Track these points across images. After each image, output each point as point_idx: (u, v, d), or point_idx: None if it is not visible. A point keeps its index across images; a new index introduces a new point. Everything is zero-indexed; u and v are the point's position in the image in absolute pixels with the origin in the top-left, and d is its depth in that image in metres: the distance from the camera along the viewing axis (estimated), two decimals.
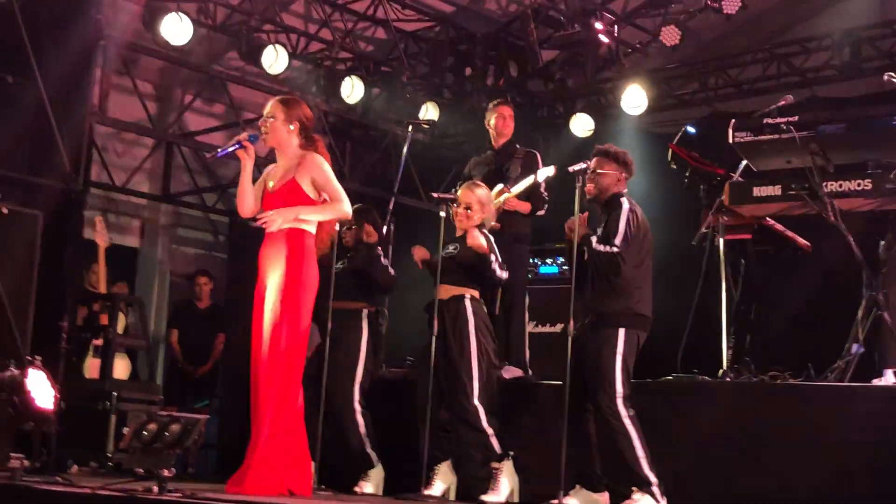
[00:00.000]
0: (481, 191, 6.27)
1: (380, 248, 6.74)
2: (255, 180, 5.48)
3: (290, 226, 5.27)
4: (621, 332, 5.50)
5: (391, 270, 6.69)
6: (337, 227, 5.89)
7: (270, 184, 5.40)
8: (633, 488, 5.37)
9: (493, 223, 6.36)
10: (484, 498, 5.77)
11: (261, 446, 5.04)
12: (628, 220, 5.53)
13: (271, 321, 5.17)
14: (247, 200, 5.43)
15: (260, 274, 5.36)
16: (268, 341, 5.16)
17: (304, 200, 5.29)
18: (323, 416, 6.15)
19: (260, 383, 5.13)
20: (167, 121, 10.39)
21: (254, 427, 5.11)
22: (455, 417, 5.93)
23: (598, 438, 5.56)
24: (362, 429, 6.42)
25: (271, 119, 5.36)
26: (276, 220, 5.21)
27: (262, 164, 5.70)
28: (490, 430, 5.90)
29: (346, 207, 5.36)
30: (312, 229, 5.35)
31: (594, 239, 5.53)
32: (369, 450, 6.40)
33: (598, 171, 5.69)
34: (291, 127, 5.34)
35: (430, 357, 5.91)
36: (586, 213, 5.72)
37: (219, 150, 5.53)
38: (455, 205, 6.17)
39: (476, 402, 5.90)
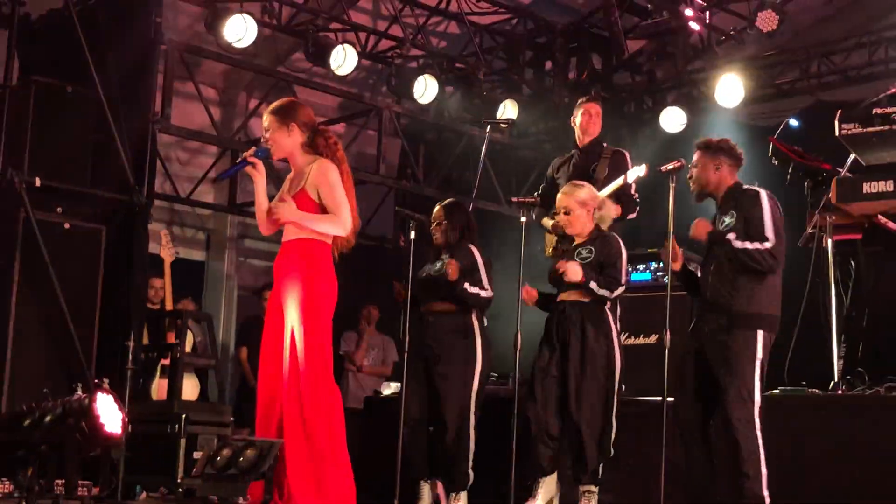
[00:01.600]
0: (581, 191, 6.26)
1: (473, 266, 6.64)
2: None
3: (304, 236, 5.31)
4: (760, 334, 5.40)
5: (482, 293, 6.50)
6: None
7: (286, 191, 5.46)
8: None
9: (613, 215, 6.33)
10: None
11: (304, 468, 5.06)
12: (772, 211, 5.45)
13: (293, 338, 5.20)
14: (264, 218, 5.46)
15: (274, 285, 5.41)
16: (290, 358, 5.18)
17: (314, 211, 5.32)
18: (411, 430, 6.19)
19: (290, 402, 5.15)
20: (232, 127, 10.53)
21: (289, 446, 5.10)
22: (586, 428, 5.91)
23: (711, 456, 5.50)
24: (472, 444, 6.38)
25: (268, 131, 5.41)
26: (283, 213, 5.26)
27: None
28: (612, 452, 5.95)
29: (342, 225, 5.32)
30: (327, 238, 5.37)
31: (732, 236, 5.42)
32: (470, 469, 6.38)
33: (698, 165, 5.65)
34: (289, 132, 5.39)
35: (552, 369, 5.97)
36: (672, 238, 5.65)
37: (225, 170, 5.57)
38: (559, 216, 6.22)
39: (614, 420, 5.95)
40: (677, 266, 5.59)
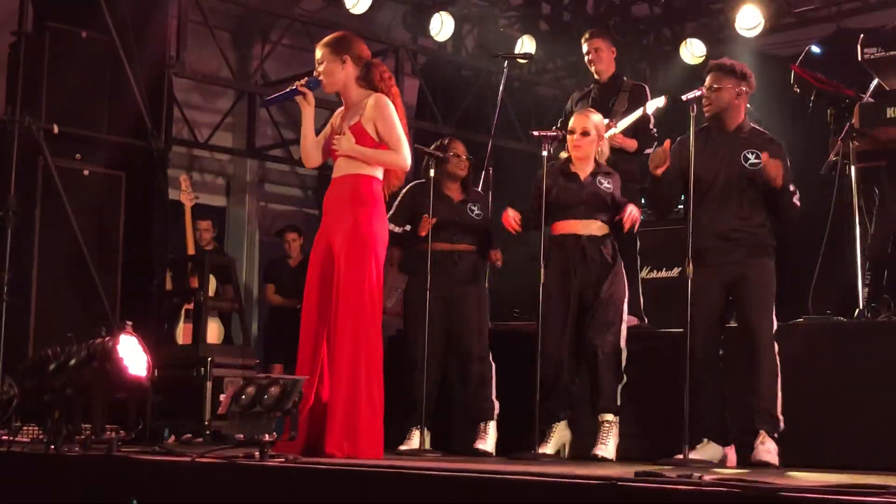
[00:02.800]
0: (595, 116, 6.23)
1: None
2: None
3: (357, 171, 5.29)
4: (772, 264, 5.53)
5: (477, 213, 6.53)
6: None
7: (337, 126, 5.43)
8: (761, 431, 5.32)
9: (606, 152, 6.32)
10: (597, 452, 5.77)
11: (340, 408, 5.11)
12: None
13: (344, 274, 5.19)
14: (310, 151, 5.46)
15: (324, 220, 5.39)
16: (340, 295, 5.19)
17: (370, 143, 5.30)
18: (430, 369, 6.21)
19: (336, 341, 5.16)
20: (248, 71, 10.49)
21: (330, 385, 5.16)
22: (597, 357, 5.90)
23: (728, 387, 5.51)
24: (493, 373, 6.42)
25: (322, 64, 5.37)
26: (342, 145, 5.25)
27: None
28: (625, 378, 5.94)
29: (404, 160, 5.32)
30: (379, 174, 5.35)
31: (792, 188, 5.46)
32: (495, 399, 6.40)
33: (715, 86, 5.58)
34: (343, 64, 5.34)
35: (567, 301, 5.93)
36: (668, 142, 5.61)
37: (273, 96, 5.57)
38: (570, 135, 6.11)
39: (624, 344, 5.94)
40: (660, 172, 5.55)
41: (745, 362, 5.45)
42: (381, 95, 5.34)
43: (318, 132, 5.53)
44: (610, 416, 5.86)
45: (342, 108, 5.50)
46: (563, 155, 6.28)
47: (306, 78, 5.42)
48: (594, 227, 6.00)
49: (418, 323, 6.31)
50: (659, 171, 5.57)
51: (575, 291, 5.95)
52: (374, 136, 5.30)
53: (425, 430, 6.31)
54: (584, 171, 6.09)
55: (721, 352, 5.56)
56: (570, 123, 6.19)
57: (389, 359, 6.90)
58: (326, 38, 5.48)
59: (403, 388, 6.30)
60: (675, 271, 7.58)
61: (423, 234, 6.30)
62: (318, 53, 5.42)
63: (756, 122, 5.76)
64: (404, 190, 6.42)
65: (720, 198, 5.52)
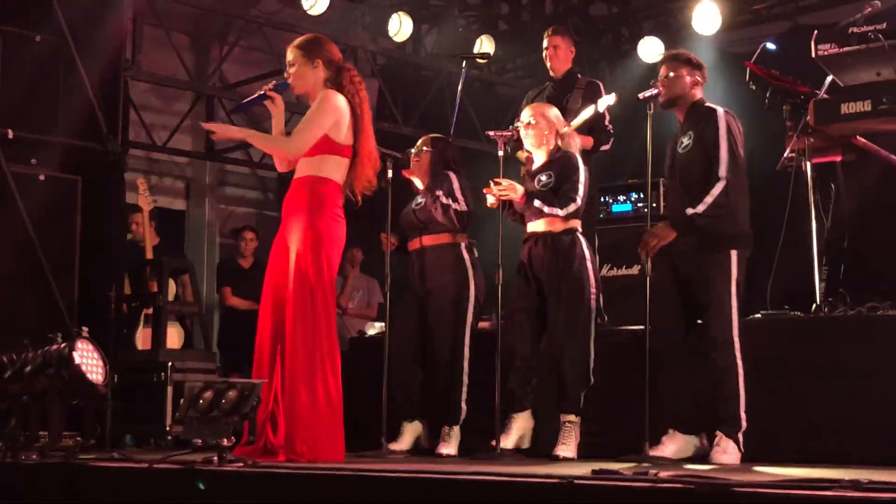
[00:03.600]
0: (550, 109, 6.24)
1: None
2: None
3: (312, 173, 5.28)
4: (733, 255, 5.46)
5: (455, 206, 6.41)
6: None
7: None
8: (719, 432, 5.35)
9: (577, 148, 6.29)
10: (558, 452, 5.78)
11: (298, 410, 5.10)
12: (728, 137, 5.47)
13: (297, 276, 5.19)
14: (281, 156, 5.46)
15: (283, 222, 5.39)
16: (293, 297, 5.19)
17: (329, 145, 5.29)
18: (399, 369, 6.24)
19: (290, 344, 5.15)
20: (205, 73, 10.44)
21: (285, 388, 5.14)
22: (564, 357, 5.89)
23: (694, 378, 5.53)
24: (465, 377, 6.36)
25: (293, 67, 5.36)
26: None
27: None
28: (592, 380, 5.92)
29: (296, 146, 5.28)
30: (339, 177, 5.34)
31: (690, 211, 5.39)
32: (464, 403, 6.35)
33: (671, 74, 5.63)
34: (314, 68, 5.33)
35: (528, 300, 5.95)
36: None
37: (243, 102, 5.57)
38: (522, 124, 6.10)
39: (592, 345, 5.92)
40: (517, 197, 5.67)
41: (704, 359, 5.47)
42: (330, 91, 5.31)
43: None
44: (572, 417, 5.87)
45: (275, 115, 5.49)
46: (522, 155, 6.29)
47: (274, 81, 5.41)
48: (545, 225, 5.97)
49: (394, 321, 6.43)
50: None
51: (534, 287, 5.95)
52: (330, 134, 5.29)
53: (416, 423, 6.38)
54: (535, 166, 6.11)
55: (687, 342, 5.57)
56: (521, 115, 6.20)
57: (356, 358, 6.96)
58: (299, 41, 5.47)
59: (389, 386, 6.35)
60: (636, 269, 7.60)
61: (385, 250, 6.45)
62: (290, 55, 5.40)
63: None
64: None
65: (671, 188, 5.54)
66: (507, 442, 5.88)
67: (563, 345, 5.88)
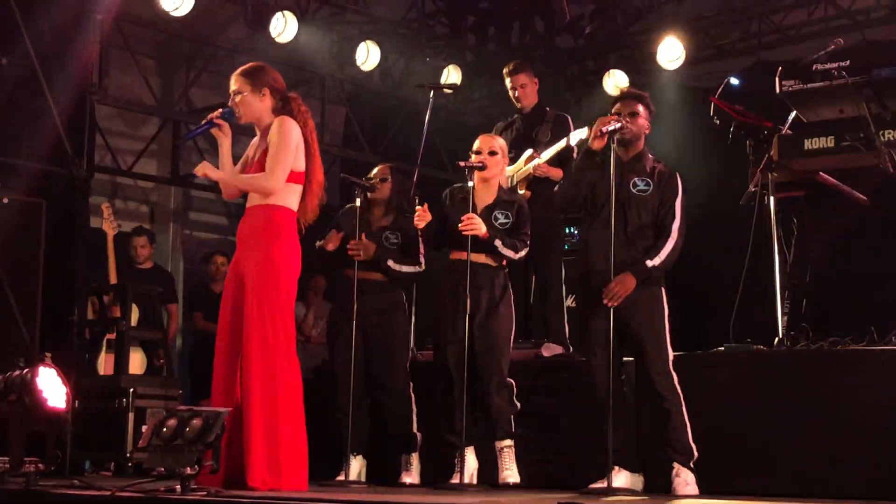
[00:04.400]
0: (500, 140, 6.29)
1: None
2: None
3: (268, 202, 5.26)
4: (662, 291, 5.55)
5: (413, 270, 6.51)
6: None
7: (251, 156, 5.42)
8: (675, 462, 5.37)
9: (521, 191, 6.35)
10: (508, 480, 5.84)
11: (258, 439, 5.06)
12: (682, 202, 5.54)
13: (255, 305, 5.16)
14: (228, 182, 5.42)
15: (237, 250, 5.36)
16: (251, 327, 5.15)
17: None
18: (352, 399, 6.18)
19: (248, 372, 5.11)
20: (172, 98, 10.40)
21: (245, 418, 5.09)
22: (492, 392, 5.92)
23: (636, 411, 5.55)
24: (413, 405, 6.45)
25: (239, 95, 5.34)
26: (199, 170, 5.31)
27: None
28: (518, 406, 5.98)
29: (271, 182, 5.24)
30: (291, 204, 5.32)
31: (649, 263, 5.44)
32: (416, 430, 6.42)
33: (635, 113, 5.64)
34: (262, 95, 5.33)
35: (457, 334, 5.93)
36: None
37: (190, 129, 5.54)
38: (476, 154, 6.11)
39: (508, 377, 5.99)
40: (598, 145, 5.52)
41: (646, 394, 5.49)
42: (285, 118, 5.30)
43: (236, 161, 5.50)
44: (508, 441, 5.93)
45: (257, 137, 5.46)
46: (470, 184, 6.26)
47: (220, 109, 5.39)
48: (484, 258, 6.00)
49: (338, 350, 6.39)
50: (598, 145, 5.51)
51: (462, 318, 5.93)
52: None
53: (361, 459, 6.36)
54: (484, 200, 6.11)
55: (623, 377, 5.58)
56: (476, 144, 6.19)
57: (316, 387, 6.93)
58: (243, 69, 5.44)
59: (335, 415, 6.32)
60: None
61: (329, 248, 6.40)
62: (235, 83, 5.37)
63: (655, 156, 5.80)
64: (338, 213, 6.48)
65: (604, 222, 5.51)
66: (465, 476, 5.86)
67: (492, 377, 5.93)
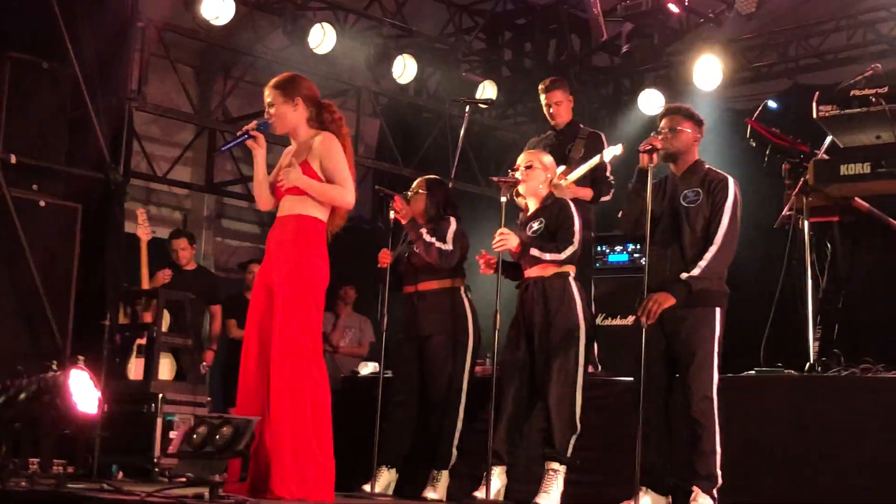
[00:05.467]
0: (546, 156, 6.25)
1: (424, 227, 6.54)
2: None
3: (301, 212, 5.27)
4: (718, 312, 5.42)
5: (439, 245, 6.36)
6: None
7: (284, 166, 5.40)
8: (695, 486, 5.31)
9: (568, 196, 6.29)
10: (538, 500, 5.74)
11: (286, 449, 5.05)
12: (734, 207, 5.43)
13: (285, 315, 5.16)
14: (263, 192, 5.43)
15: (266, 259, 5.35)
16: (281, 336, 5.15)
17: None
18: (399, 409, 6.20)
19: (276, 382, 5.11)
20: (209, 106, 10.47)
21: (273, 427, 5.08)
22: (551, 403, 5.85)
23: (672, 433, 5.52)
24: (460, 423, 6.35)
25: (273, 107, 5.35)
26: (290, 177, 5.21)
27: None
28: (579, 428, 5.86)
29: (350, 196, 5.29)
30: (323, 216, 5.32)
31: (695, 273, 5.38)
32: (455, 449, 6.35)
33: (677, 128, 5.56)
34: (295, 105, 5.35)
35: (519, 350, 5.91)
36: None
37: (227, 140, 5.55)
38: (520, 169, 6.08)
39: (579, 393, 5.86)
40: (644, 163, 5.45)
41: (683, 416, 5.45)
42: (329, 133, 5.31)
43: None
44: (556, 465, 5.84)
45: (291, 147, 5.47)
46: (520, 201, 6.28)
47: (255, 121, 5.40)
48: (538, 271, 5.96)
49: (392, 363, 6.44)
50: (643, 163, 5.46)
51: (524, 335, 5.93)
52: (320, 174, 5.28)
53: (393, 471, 6.33)
54: (527, 211, 6.13)
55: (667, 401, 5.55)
56: (517, 161, 6.20)
57: (344, 398, 6.93)
58: (276, 80, 5.44)
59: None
60: (631, 319, 7.60)
61: (381, 265, 6.34)
62: (269, 96, 5.37)
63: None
64: None
65: (662, 240, 5.49)
66: (490, 493, 5.84)
67: (551, 390, 5.85)
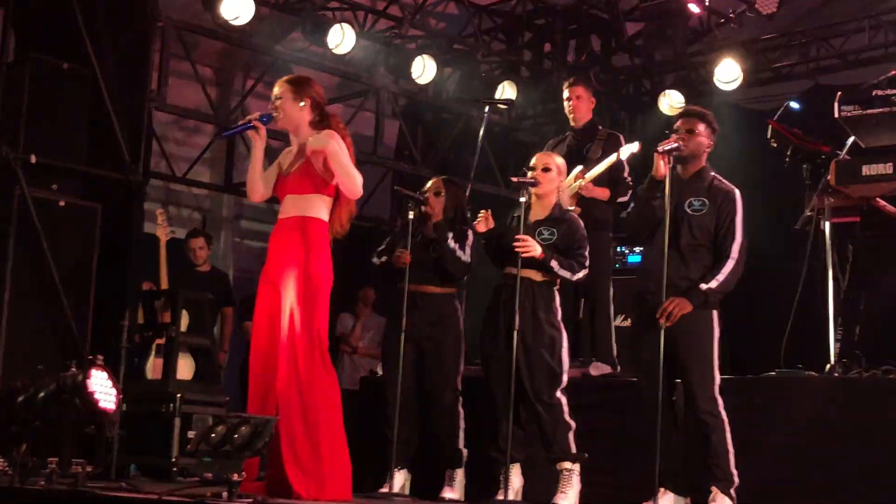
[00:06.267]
0: (558, 157, 6.23)
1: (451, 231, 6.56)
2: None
3: (305, 214, 5.28)
4: (715, 314, 5.45)
5: (462, 255, 6.42)
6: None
7: (285, 166, 5.42)
8: (713, 487, 5.30)
9: (570, 206, 6.30)
10: (556, 501, 5.76)
11: (302, 449, 5.07)
12: (744, 224, 5.45)
13: (294, 318, 5.17)
14: (256, 184, 5.42)
15: (269, 261, 5.36)
16: (293, 338, 5.16)
17: (318, 184, 5.29)
18: (401, 412, 6.17)
19: (286, 383, 5.12)
20: (228, 107, 10.49)
21: (286, 427, 5.08)
22: (539, 409, 5.88)
23: (681, 434, 5.51)
24: (461, 421, 6.39)
25: (280, 100, 5.37)
26: (319, 143, 5.20)
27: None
28: (573, 424, 5.87)
29: (360, 186, 5.30)
30: (324, 216, 5.32)
31: (704, 286, 5.39)
32: (462, 447, 6.38)
33: (693, 130, 5.55)
34: (301, 105, 5.35)
35: (501, 351, 5.90)
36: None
37: (229, 127, 5.54)
38: (531, 171, 6.07)
39: (559, 393, 5.89)
40: (662, 174, 5.45)
41: (691, 417, 5.44)
42: (332, 132, 5.30)
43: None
44: (567, 464, 5.84)
45: (289, 149, 5.48)
46: (522, 199, 6.22)
47: (259, 113, 5.43)
48: (531, 274, 5.94)
49: (390, 363, 6.37)
50: (661, 174, 5.46)
51: (506, 333, 5.89)
52: (320, 169, 5.30)
53: (405, 472, 6.33)
54: (536, 215, 6.09)
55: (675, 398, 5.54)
56: (532, 161, 6.17)
57: (363, 398, 6.92)
58: (289, 77, 5.50)
59: (382, 428, 6.31)
60: None
61: (406, 262, 6.29)
62: (277, 90, 5.41)
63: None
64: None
65: (660, 243, 5.47)
66: (510, 493, 5.83)
67: (538, 392, 5.87)
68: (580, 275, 5.98)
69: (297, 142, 5.44)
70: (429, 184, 6.62)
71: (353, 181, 5.28)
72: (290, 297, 5.20)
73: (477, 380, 6.38)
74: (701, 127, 5.59)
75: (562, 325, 6.00)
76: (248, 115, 5.45)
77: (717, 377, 5.41)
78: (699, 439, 5.39)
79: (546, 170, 6.08)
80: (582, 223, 6.13)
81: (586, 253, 6.01)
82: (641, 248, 8.08)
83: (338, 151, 5.22)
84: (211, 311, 8.43)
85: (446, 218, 6.48)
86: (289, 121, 5.40)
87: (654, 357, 5.35)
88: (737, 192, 5.53)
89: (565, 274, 5.93)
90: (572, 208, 6.82)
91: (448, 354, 6.41)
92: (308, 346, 5.17)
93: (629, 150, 7.01)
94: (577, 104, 7.34)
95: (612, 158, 7.00)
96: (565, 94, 7.40)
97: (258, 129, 5.36)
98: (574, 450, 5.85)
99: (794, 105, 7.29)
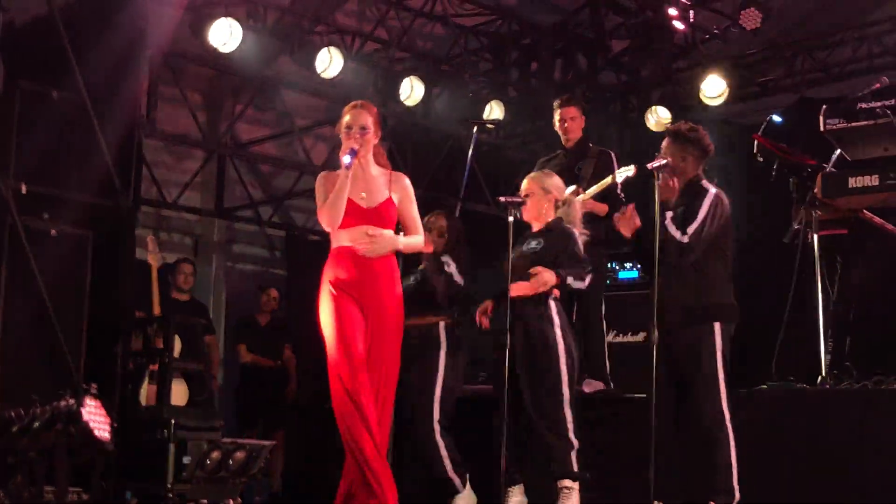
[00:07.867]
0: (549, 179, 6.27)
1: (446, 256, 6.64)
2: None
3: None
4: (717, 326, 5.43)
5: (457, 278, 6.53)
6: None
7: (362, 195, 5.40)
8: (712, 502, 5.31)
9: (579, 215, 6.30)
10: None
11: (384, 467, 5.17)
12: (709, 210, 5.45)
13: (390, 350, 5.32)
14: (341, 212, 5.38)
15: (349, 287, 5.33)
16: (390, 369, 5.31)
17: (394, 222, 5.44)
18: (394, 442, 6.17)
19: (385, 409, 5.26)
20: (218, 131, 10.51)
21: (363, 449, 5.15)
22: (542, 426, 5.88)
23: (685, 449, 5.51)
24: (443, 451, 6.37)
25: (368, 131, 5.41)
26: (374, 249, 5.30)
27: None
28: (576, 443, 5.86)
29: (424, 242, 5.60)
30: None
31: (669, 215, 5.46)
32: (452, 475, 6.36)
33: (683, 157, 5.60)
34: (375, 139, 5.42)
35: (505, 368, 5.88)
36: (632, 205, 5.68)
37: (347, 159, 5.40)
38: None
39: (567, 409, 5.88)
40: (629, 234, 5.60)
41: (695, 433, 5.43)
42: (401, 174, 5.52)
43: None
44: (567, 482, 5.84)
45: (348, 176, 5.36)
46: (510, 219, 6.25)
47: (350, 148, 5.39)
48: (516, 289, 5.94)
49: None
50: (628, 233, 5.60)
51: (512, 352, 5.92)
52: (399, 212, 5.45)
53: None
54: (532, 230, 6.17)
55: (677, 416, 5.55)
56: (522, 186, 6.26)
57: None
58: (373, 107, 5.55)
59: None
60: (641, 335, 7.62)
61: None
62: (368, 119, 5.44)
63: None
64: None
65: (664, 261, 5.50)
66: None
67: (540, 409, 5.88)
68: (588, 279, 6.02)
69: (363, 171, 5.45)
70: (429, 218, 6.62)
71: (418, 246, 5.58)
72: (390, 326, 5.35)
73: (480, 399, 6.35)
74: (675, 149, 5.62)
75: (559, 337, 5.96)
76: (350, 145, 5.40)
77: (724, 391, 5.38)
78: (703, 454, 5.39)
79: (527, 195, 6.14)
80: (574, 232, 6.14)
81: (581, 255, 6.02)
82: (633, 264, 8.14)
83: (407, 243, 5.53)
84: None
85: (447, 250, 6.53)
86: (368, 151, 5.47)
87: (659, 372, 5.36)
88: (713, 189, 5.53)
89: (579, 284, 5.97)
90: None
91: (426, 381, 6.44)
92: (395, 378, 5.37)
93: (624, 173, 7.03)
94: (571, 125, 7.38)
95: (607, 181, 7.03)
96: (557, 115, 7.43)
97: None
98: (576, 468, 5.84)
99: (777, 118, 7.35)
